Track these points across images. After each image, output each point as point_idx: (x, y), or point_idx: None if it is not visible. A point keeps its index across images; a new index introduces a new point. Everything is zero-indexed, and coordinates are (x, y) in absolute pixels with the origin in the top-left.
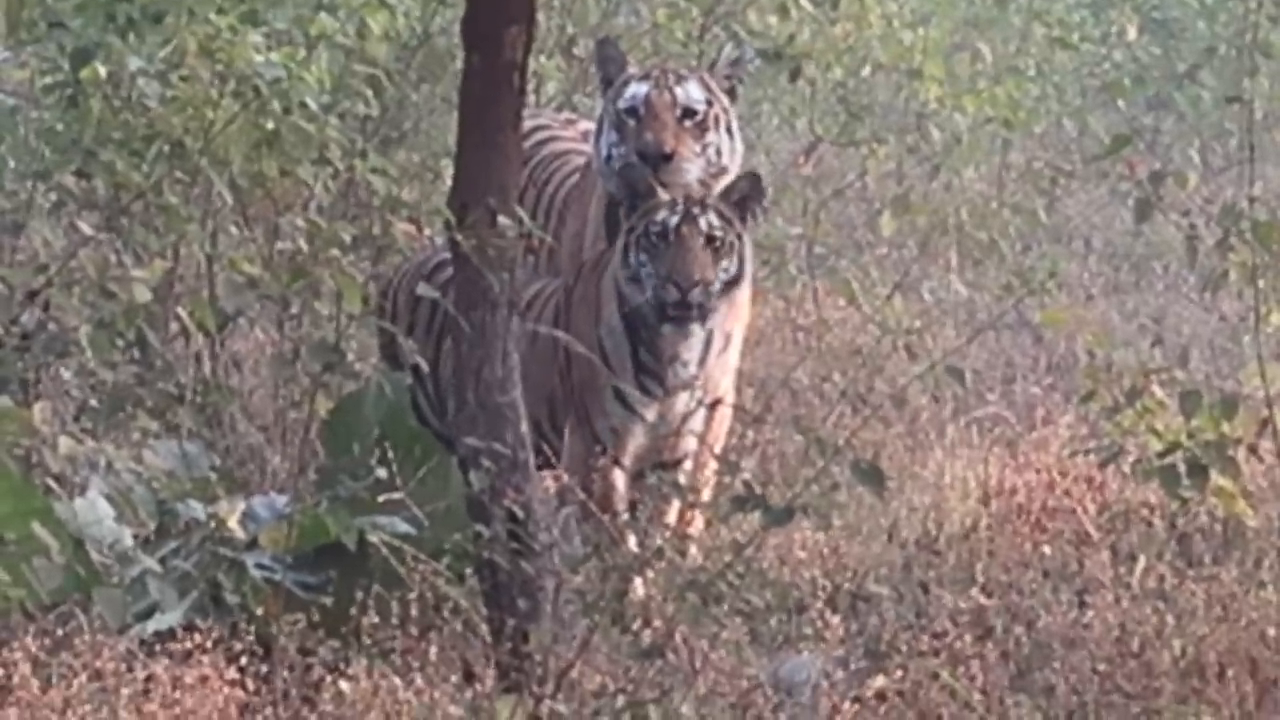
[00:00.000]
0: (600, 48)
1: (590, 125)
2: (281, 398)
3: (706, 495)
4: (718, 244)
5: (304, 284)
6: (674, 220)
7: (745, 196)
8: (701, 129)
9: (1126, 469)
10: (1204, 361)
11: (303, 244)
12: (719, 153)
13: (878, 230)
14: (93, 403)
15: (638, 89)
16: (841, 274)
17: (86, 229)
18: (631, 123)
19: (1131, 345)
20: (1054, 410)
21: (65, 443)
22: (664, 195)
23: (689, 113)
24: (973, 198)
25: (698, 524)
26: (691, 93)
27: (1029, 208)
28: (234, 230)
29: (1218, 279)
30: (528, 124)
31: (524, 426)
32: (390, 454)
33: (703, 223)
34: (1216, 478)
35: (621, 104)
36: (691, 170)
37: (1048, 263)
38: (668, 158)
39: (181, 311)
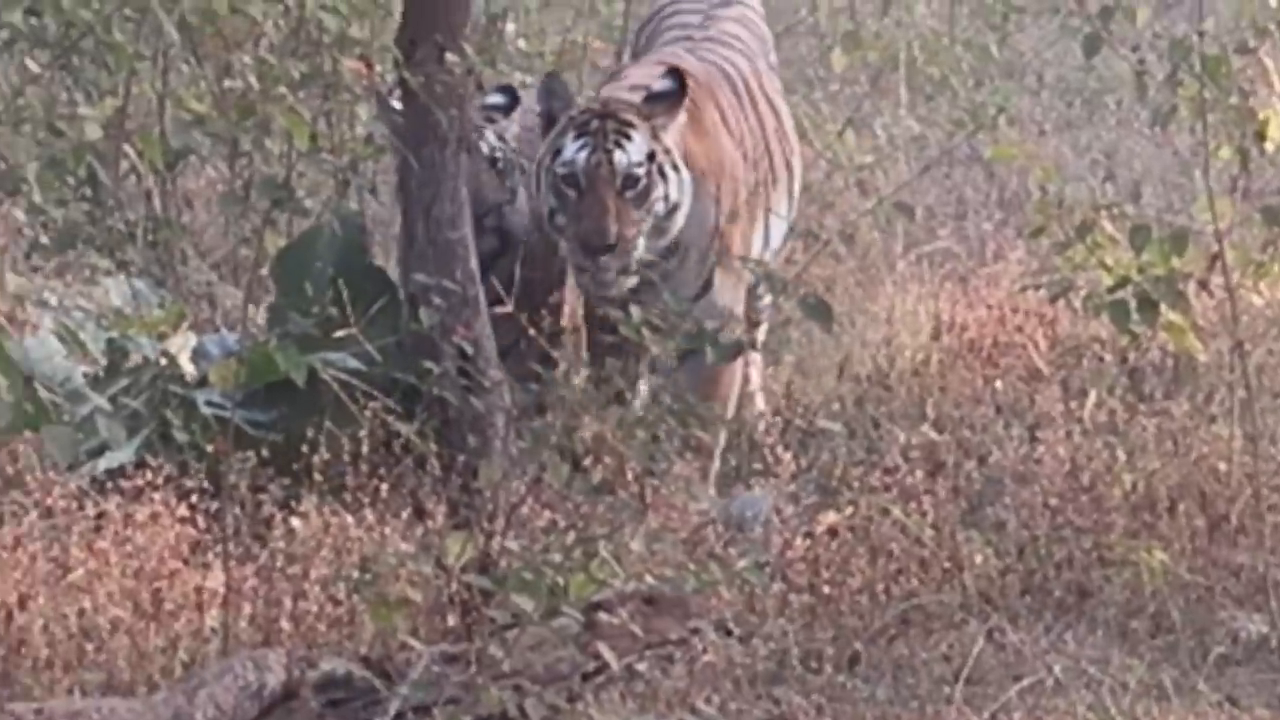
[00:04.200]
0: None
1: None
2: (232, 235)
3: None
4: None
5: (254, 121)
6: None
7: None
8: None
9: (1077, 304)
10: (1155, 196)
11: (253, 81)
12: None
13: (829, 66)
14: (43, 240)
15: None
16: (793, 110)
17: (35, 67)
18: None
19: (1083, 180)
20: (1005, 245)
21: (15, 280)
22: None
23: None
24: (924, 33)
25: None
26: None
27: (980, 43)
28: (184, 68)
29: (1168, 114)
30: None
31: (473, 263)
32: (342, 291)
33: None
34: (1167, 312)
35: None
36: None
37: (999, 98)
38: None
39: (130, 150)
